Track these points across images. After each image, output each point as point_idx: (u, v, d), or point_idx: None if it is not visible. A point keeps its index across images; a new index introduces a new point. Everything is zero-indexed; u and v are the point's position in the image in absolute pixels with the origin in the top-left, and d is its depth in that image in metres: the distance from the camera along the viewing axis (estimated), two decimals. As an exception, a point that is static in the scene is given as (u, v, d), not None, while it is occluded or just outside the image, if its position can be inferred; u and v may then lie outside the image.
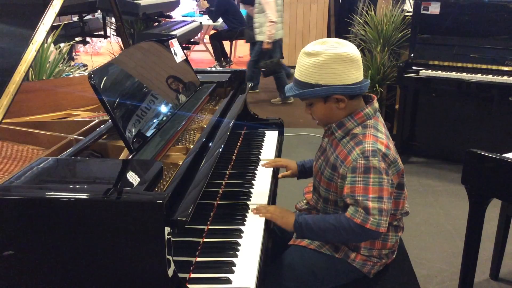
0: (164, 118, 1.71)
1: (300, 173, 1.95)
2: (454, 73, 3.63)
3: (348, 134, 1.56)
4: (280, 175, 2.00)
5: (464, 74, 3.59)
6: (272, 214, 1.62)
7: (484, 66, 3.60)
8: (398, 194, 1.60)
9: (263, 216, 1.62)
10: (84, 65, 4.67)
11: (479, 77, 3.54)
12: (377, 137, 1.52)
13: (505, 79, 3.44)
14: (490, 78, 3.49)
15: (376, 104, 1.61)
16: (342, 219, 1.49)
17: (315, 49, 1.51)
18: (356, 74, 1.52)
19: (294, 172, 1.95)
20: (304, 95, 1.54)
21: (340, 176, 1.54)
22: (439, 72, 3.68)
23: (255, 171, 1.96)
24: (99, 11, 5.03)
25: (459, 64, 3.69)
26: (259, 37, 5.59)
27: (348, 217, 1.47)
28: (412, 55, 3.90)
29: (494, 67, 3.57)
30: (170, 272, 1.16)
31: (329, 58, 1.49)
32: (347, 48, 1.51)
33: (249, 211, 1.65)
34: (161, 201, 1.11)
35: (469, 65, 3.66)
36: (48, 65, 2.93)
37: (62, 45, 3.38)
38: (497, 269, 2.56)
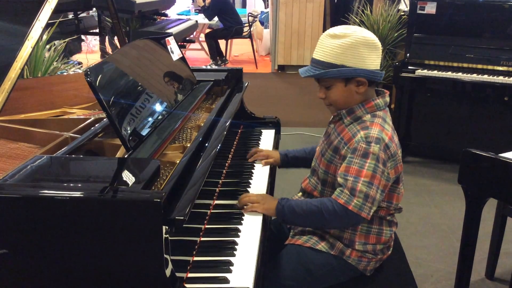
0: (161, 117, 1.70)
1: (283, 162, 1.99)
2: (450, 72, 3.64)
3: (356, 120, 1.59)
4: (263, 162, 1.99)
5: (460, 74, 3.60)
6: (253, 203, 1.59)
7: (479, 66, 3.62)
8: (394, 187, 1.61)
9: (245, 211, 1.59)
10: (79, 63, 4.64)
11: (474, 77, 3.55)
12: (384, 127, 1.55)
13: (500, 79, 3.45)
14: (485, 78, 3.50)
15: (387, 98, 1.64)
16: (326, 201, 1.51)
17: (343, 31, 1.53)
18: (377, 61, 1.56)
19: (277, 160, 1.99)
20: (328, 75, 1.54)
21: (341, 158, 1.56)
22: (435, 71, 3.69)
23: (252, 170, 1.95)
24: (94, 9, 5.01)
25: (455, 64, 3.71)
26: None
27: (333, 198, 1.49)
28: (408, 54, 3.90)
29: (490, 67, 3.58)
30: (168, 271, 1.15)
31: (357, 41, 1.51)
32: (373, 36, 1.55)
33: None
34: (158, 200, 1.10)
35: (465, 65, 3.67)
36: (43, 62, 2.91)
37: (56, 42, 3.35)
38: (492, 269, 2.57)
